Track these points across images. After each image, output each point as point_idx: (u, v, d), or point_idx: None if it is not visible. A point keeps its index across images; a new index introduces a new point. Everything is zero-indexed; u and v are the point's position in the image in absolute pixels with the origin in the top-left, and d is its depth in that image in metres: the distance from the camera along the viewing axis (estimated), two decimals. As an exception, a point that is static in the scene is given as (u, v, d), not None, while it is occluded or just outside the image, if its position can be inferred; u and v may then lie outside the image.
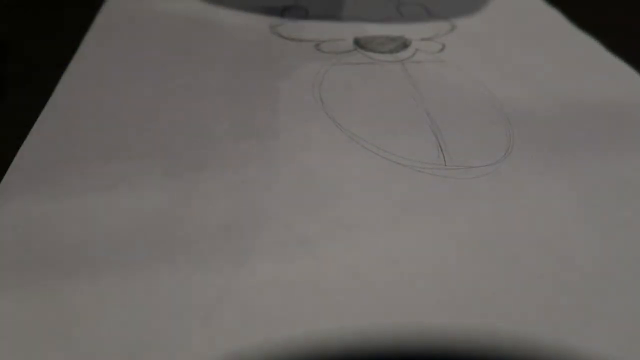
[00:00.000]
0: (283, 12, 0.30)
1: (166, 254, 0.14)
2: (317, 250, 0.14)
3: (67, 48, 0.25)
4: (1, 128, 0.20)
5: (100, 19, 0.28)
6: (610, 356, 0.12)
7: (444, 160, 0.18)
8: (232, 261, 0.14)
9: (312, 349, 0.12)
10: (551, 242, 0.15)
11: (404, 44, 0.27)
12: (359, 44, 0.26)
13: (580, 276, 0.14)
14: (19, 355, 0.12)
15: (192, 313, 0.13)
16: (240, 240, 0.15)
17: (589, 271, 0.14)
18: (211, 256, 0.14)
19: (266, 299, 0.13)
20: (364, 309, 0.13)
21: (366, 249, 0.14)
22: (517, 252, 0.15)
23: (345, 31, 0.28)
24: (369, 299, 0.13)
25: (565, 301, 0.13)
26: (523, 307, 0.13)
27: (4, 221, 0.15)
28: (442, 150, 0.18)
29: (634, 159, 0.18)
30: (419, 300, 0.13)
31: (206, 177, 0.17)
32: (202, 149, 0.18)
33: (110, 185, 0.16)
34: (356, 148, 0.18)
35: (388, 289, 0.13)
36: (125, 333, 0.12)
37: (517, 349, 0.12)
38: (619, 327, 0.13)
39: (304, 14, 0.30)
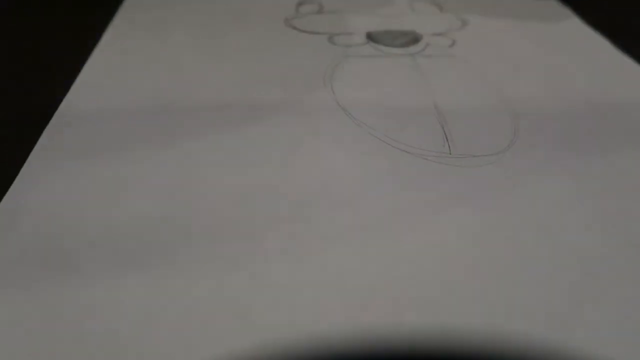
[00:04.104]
0: (298, 6, 0.31)
1: (165, 255, 0.14)
2: (325, 233, 0.15)
3: (89, 40, 0.26)
4: (22, 119, 0.21)
5: (122, 11, 0.29)
6: (603, 336, 0.13)
7: (449, 149, 0.19)
8: (238, 259, 0.14)
9: (315, 350, 0.12)
10: (550, 227, 0.16)
11: (415, 39, 0.27)
12: (371, 37, 0.27)
13: (578, 260, 0.15)
14: (33, 343, 0.12)
15: (194, 313, 0.13)
16: (249, 231, 0.15)
17: (586, 256, 0.15)
18: (222, 250, 0.15)
19: (267, 299, 0.13)
20: (369, 303, 0.13)
21: (374, 234, 0.15)
22: (516, 236, 0.15)
23: (358, 25, 0.28)
24: (375, 287, 0.14)
25: (563, 283, 0.14)
26: (522, 290, 0.14)
27: (23, 209, 0.16)
28: (447, 139, 0.19)
29: (633, 153, 0.19)
30: (423, 278, 0.14)
31: (214, 174, 0.17)
32: (213, 141, 0.19)
33: (130, 174, 0.17)
34: (366, 137, 0.19)
35: (394, 270, 0.14)
36: (125, 333, 0.12)
37: (517, 337, 0.13)
38: (613, 310, 0.13)
39: (319, 9, 0.31)
